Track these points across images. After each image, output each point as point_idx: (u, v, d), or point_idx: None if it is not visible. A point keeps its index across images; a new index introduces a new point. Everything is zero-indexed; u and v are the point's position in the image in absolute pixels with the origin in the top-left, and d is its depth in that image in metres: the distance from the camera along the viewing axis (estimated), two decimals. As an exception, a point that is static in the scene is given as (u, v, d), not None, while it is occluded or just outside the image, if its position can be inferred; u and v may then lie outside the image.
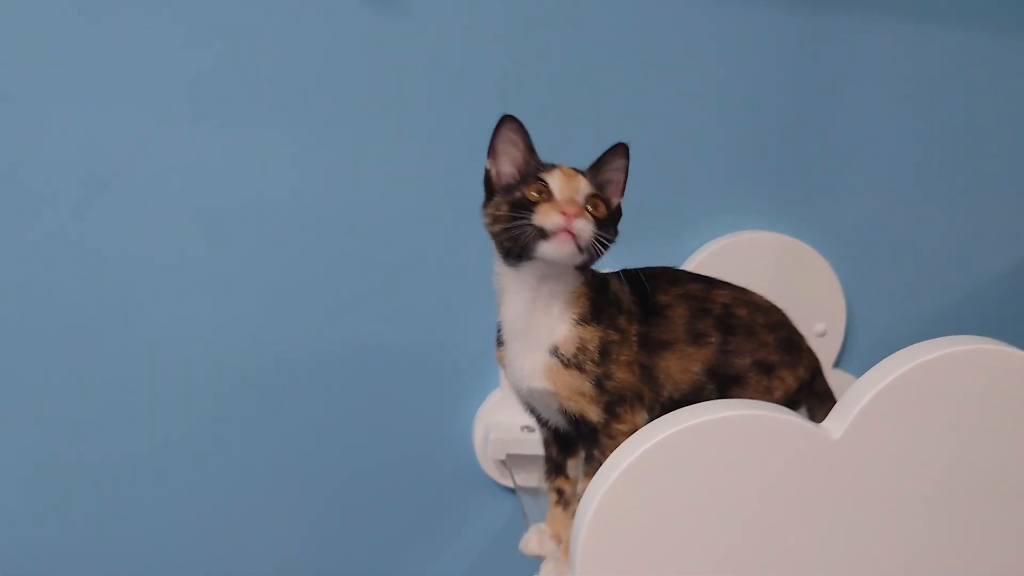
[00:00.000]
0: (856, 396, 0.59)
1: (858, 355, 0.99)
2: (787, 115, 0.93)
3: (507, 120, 0.65)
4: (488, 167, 0.66)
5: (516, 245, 0.63)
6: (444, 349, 0.93)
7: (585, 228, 0.61)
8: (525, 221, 0.62)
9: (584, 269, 0.66)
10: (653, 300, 0.68)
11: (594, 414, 0.66)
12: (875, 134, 0.95)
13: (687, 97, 0.91)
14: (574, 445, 0.71)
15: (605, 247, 0.64)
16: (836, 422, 0.60)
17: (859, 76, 0.93)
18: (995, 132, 0.97)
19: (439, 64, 0.86)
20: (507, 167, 0.65)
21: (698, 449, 0.58)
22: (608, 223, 0.65)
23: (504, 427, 0.91)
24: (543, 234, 0.62)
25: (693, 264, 0.93)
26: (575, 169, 0.65)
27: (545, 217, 0.61)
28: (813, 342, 0.95)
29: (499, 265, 0.67)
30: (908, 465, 0.60)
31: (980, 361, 0.60)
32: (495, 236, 0.65)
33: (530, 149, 0.65)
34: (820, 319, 0.95)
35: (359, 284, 0.89)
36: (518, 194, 0.63)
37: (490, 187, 0.66)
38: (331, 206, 0.87)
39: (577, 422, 0.66)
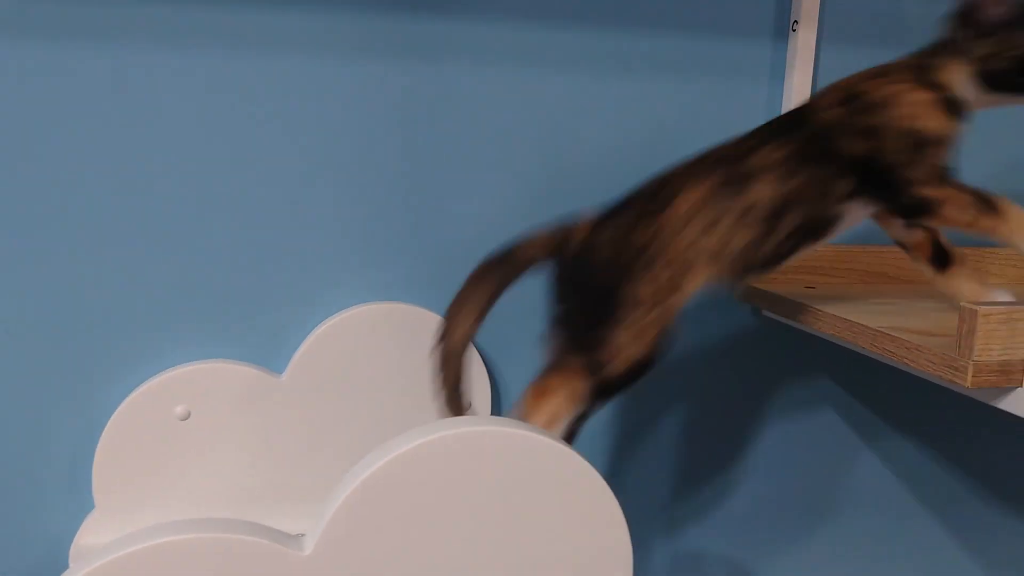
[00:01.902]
0: (326, 503, 0.54)
1: (513, 426, 0.95)
2: (403, 176, 0.89)
3: None
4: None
5: None
6: (29, 469, 0.84)
7: None
8: None
9: None
10: None
11: None
12: (492, 188, 0.92)
13: (301, 164, 0.87)
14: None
15: None
16: (309, 534, 0.54)
17: (472, 131, 0.90)
18: (613, 170, 0.95)
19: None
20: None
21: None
22: None
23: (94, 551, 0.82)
24: None
25: (313, 339, 0.87)
26: None
27: None
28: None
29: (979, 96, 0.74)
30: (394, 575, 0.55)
31: (466, 446, 0.55)
32: (1006, 71, 0.73)
33: None
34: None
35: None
36: None
37: (975, 20, 0.73)
38: None
39: None
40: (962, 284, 0.80)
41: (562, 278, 0.72)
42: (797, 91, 0.95)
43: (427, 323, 0.90)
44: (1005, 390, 0.68)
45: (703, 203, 0.72)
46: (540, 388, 0.70)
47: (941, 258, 0.80)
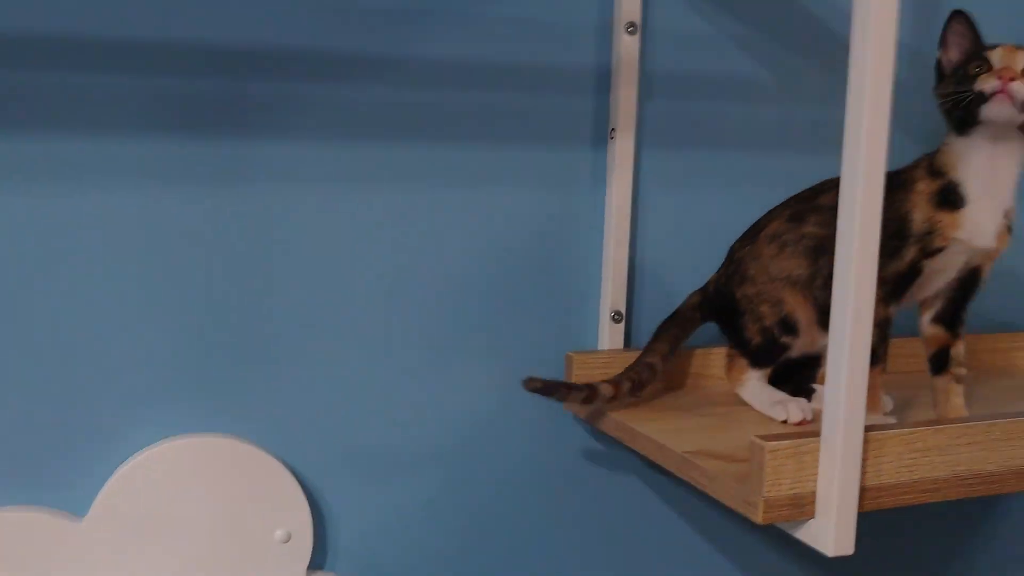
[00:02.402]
0: None
1: (341, 554, 0.92)
2: (215, 301, 0.86)
3: (956, 15, 0.80)
4: (939, 56, 0.82)
5: (960, 111, 0.78)
6: None
7: (1021, 89, 0.74)
8: (967, 89, 0.76)
9: None
10: None
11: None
12: (312, 310, 0.90)
13: (101, 290, 0.84)
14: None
15: None
16: None
17: (291, 251, 0.88)
18: (443, 280, 0.94)
19: None
20: (954, 54, 0.81)
21: None
22: None
23: None
24: (983, 98, 0.76)
25: (118, 478, 0.82)
26: (1017, 45, 0.78)
27: (983, 83, 0.76)
28: (276, 552, 0.88)
29: (952, 140, 0.80)
30: None
31: None
32: (945, 111, 0.80)
33: (977, 37, 0.80)
34: (280, 525, 0.87)
35: None
36: (961, 72, 0.78)
37: (940, 72, 0.82)
38: None
39: (968, 284, 0.83)
40: (940, 396, 0.85)
41: (712, 309, 0.93)
42: (617, 197, 0.95)
43: (243, 457, 0.86)
44: (799, 521, 0.68)
45: (778, 229, 0.88)
46: (727, 368, 0.93)
47: (938, 364, 0.85)
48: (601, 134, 0.96)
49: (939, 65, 0.82)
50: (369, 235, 0.90)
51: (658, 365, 0.89)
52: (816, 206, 0.86)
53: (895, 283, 0.80)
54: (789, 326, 0.86)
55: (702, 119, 1.00)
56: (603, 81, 0.96)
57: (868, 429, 0.69)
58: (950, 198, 0.79)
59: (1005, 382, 1.05)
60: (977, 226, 0.79)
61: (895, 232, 0.79)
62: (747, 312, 0.89)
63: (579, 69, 0.95)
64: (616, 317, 0.97)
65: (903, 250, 0.79)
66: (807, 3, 1.03)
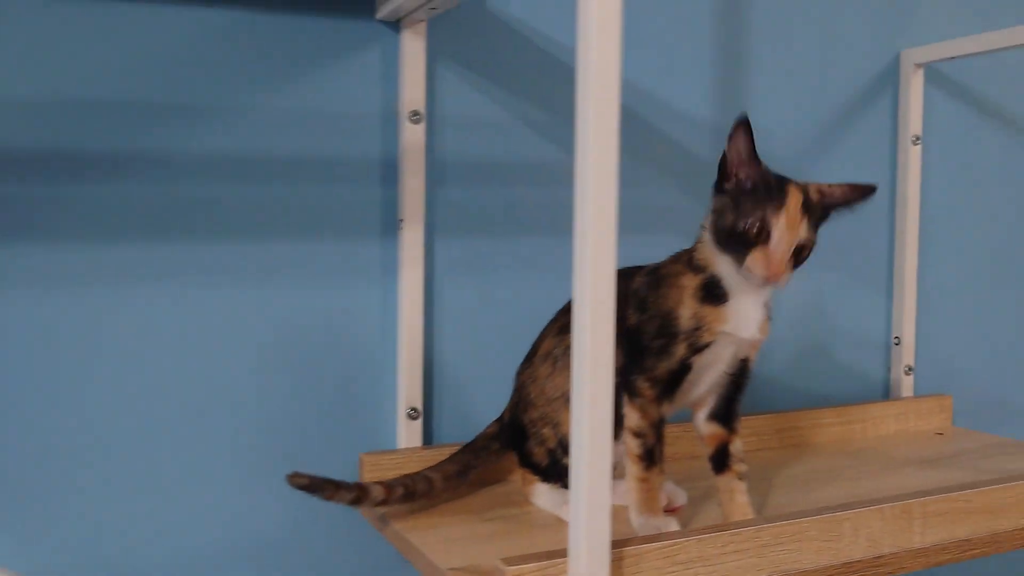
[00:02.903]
0: None
1: None
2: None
3: (740, 126, 0.74)
4: (727, 151, 0.75)
5: (727, 254, 0.76)
6: None
7: (784, 279, 0.74)
8: (739, 253, 0.74)
9: None
10: None
11: None
12: (83, 418, 0.84)
13: None
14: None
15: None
16: None
17: (49, 356, 0.82)
18: (242, 380, 0.89)
19: None
20: (740, 170, 0.75)
21: None
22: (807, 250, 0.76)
23: None
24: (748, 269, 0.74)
25: None
26: (803, 207, 0.74)
27: (754, 264, 0.73)
28: None
29: (709, 239, 0.78)
30: None
31: None
32: (712, 231, 0.77)
33: (760, 165, 0.75)
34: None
35: None
36: (741, 225, 0.73)
37: (724, 173, 0.76)
38: None
39: (738, 377, 0.81)
40: (724, 495, 0.82)
41: (508, 439, 0.90)
42: (409, 288, 0.92)
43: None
44: (551, 646, 0.64)
45: (549, 346, 0.86)
46: (521, 480, 0.90)
47: (719, 462, 0.82)
48: (391, 225, 0.93)
49: (724, 164, 0.76)
50: (144, 338, 0.85)
51: (437, 482, 0.85)
52: None
53: (667, 381, 0.78)
54: (568, 447, 0.82)
55: (496, 206, 0.98)
56: (390, 171, 0.93)
57: (621, 544, 0.66)
58: (714, 292, 0.77)
59: (812, 462, 1.04)
60: (741, 319, 0.77)
61: (662, 330, 0.77)
62: (532, 436, 0.86)
63: (364, 159, 0.92)
64: (412, 414, 0.93)
65: (672, 347, 0.77)
66: (601, 87, 1.02)
